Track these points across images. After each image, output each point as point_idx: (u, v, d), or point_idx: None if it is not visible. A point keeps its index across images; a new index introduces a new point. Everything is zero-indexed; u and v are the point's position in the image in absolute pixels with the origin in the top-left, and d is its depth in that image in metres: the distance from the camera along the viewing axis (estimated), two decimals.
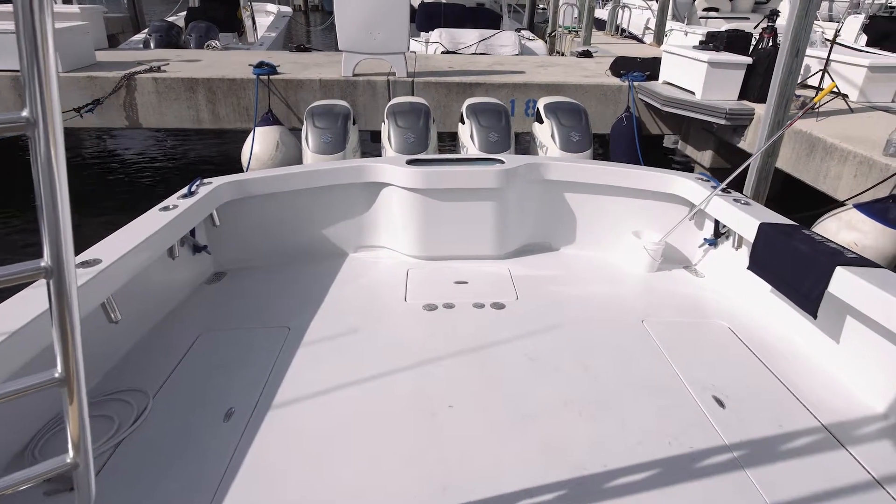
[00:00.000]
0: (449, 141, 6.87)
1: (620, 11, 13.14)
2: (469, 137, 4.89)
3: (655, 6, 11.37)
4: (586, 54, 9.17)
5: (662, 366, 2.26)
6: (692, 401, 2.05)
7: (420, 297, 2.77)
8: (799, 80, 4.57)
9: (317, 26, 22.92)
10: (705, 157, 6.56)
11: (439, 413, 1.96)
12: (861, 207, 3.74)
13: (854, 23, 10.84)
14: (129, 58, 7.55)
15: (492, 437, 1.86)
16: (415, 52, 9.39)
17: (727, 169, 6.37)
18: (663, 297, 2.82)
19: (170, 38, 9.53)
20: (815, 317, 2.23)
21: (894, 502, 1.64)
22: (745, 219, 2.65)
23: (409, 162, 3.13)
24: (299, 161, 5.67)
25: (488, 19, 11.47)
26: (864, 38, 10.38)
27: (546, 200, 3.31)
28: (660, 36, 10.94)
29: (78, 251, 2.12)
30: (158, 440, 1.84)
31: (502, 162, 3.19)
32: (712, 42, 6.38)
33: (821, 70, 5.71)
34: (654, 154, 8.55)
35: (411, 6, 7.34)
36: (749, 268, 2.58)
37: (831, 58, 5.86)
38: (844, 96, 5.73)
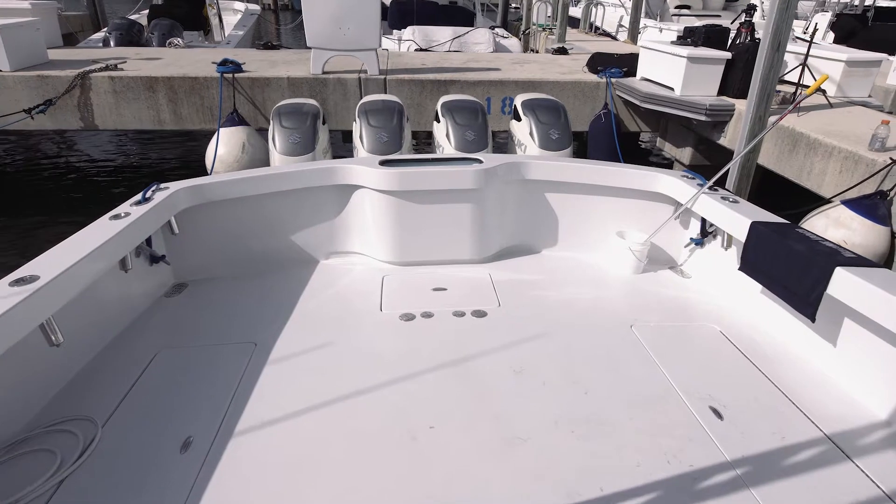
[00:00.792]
0: (424, 140, 6.71)
1: (594, 9, 13.15)
2: (445, 136, 4.78)
3: (629, 4, 11.39)
4: (562, 51, 9.10)
5: (655, 375, 2.19)
6: (689, 413, 1.98)
7: (396, 306, 2.68)
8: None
9: (287, 25, 22.55)
10: (684, 154, 6.49)
11: (420, 436, 1.84)
12: (849, 204, 3.66)
13: (821, 21, 10.98)
14: (85, 56, 7.24)
15: (478, 463, 1.75)
16: (387, 50, 9.28)
17: (707, 166, 6.31)
18: (650, 299, 2.78)
19: (131, 36, 9.21)
20: (813, 320, 2.16)
21: None
22: (735, 217, 2.59)
23: (383, 162, 3.07)
24: (267, 163, 5.48)
25: (462, 17, 11.35)
26: (830, 35, 10.53)
27: (526, 201, 3.26)
28: (634, 33, 10.94)
29: (16, 266, 1.99)
30: (106, 476, 1.68)
31: (480, 161, 3.12)
32: (690, 37, 6.32)
33: (800, 65, 5.66)
34: (634, 152, 8.50)
35: (383, 3, 7.15)
36: (740, 268, 2.51)
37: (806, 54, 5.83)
38: (823, 91, 5.70)
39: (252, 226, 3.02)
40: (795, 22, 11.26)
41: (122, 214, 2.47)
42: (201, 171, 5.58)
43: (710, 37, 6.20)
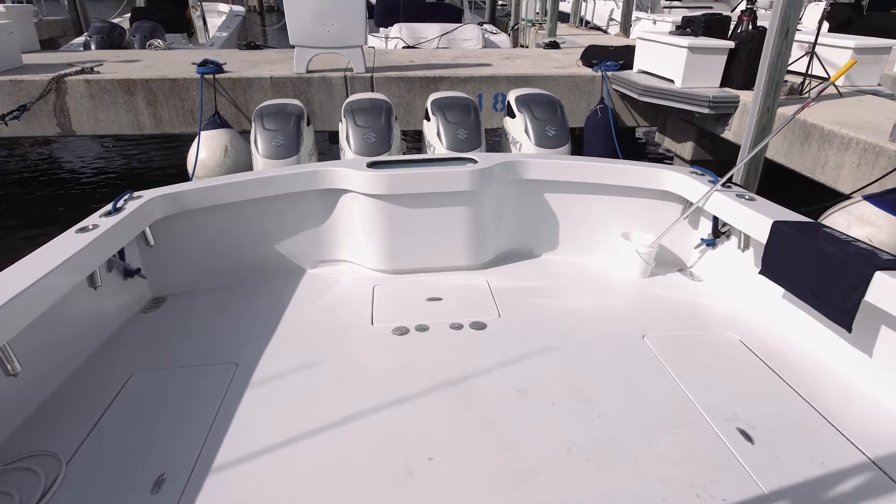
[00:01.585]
0: (414, 140, 6.51)
1: (584, 3, 13.01)
2: (436, 135, 4.58)
3: None
4: (553, 45, 8.90)
5: (674, 391, 2.01)
6: (715, 436, 1.80)
7: (389, 318, 2.54)
8: None
9: (272, 26, 22.29)
10: (685, 149, 6.28)
11: (417, 469, 1.68)
12: (873, 199, 3.45)
13: (815, 10, 10.84)
14: (60, 59, 7.01)
15: (486, 502, 1.57)
16: (373, 47, 9.09)
17: (709, 161, 6.11)
18: (661, 306, 2.62)
19: (112, 39, 8.97)
20: (849, 330, 1.96)
21: None
22: (753, 216, 2.42)
23: (371, 164, 2.94)
24: (251, 167, 5.24)
25: (449, 14, 11.17)
26: (825, 24, 10.39)
27: (525, 202, 3.12)
28: (626, 26, 10.77)
29: None
30: None
31: (475, 161, 2.97)
32: (689, 27, 6.11)
33: (806, 54, 5.46)
34: (632, 148, 8.30)
35: (368, 1, 6.96)
36: (761, 272, 2.33)
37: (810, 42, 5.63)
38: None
39: (233, 235, 2.87)
40: None
41: (91, 227, 2.30)
42: (183, 176, 5.34)
43: (711, 26, 5.98)
